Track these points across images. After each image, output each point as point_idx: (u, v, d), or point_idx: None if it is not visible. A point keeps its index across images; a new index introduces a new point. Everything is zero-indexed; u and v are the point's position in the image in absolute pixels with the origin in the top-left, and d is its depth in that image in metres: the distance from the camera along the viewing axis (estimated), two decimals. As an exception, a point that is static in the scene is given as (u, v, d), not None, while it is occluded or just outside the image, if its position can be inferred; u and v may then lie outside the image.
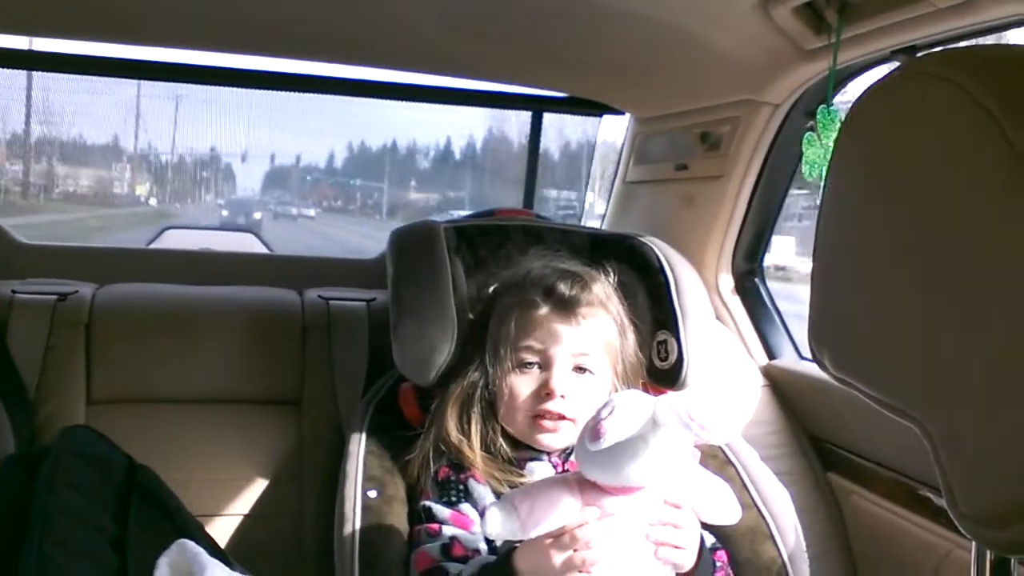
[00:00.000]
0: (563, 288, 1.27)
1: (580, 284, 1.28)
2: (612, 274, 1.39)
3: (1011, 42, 1.29)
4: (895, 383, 0.58)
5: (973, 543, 0.59)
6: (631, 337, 1.34)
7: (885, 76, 0.59)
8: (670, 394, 1.04)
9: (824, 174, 1.41)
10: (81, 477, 1.04)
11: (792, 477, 1.65)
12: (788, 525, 1.33)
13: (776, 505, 1.35)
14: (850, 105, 0.62)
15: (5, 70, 2.07)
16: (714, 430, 0.99)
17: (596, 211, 2.51)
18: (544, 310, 1.26)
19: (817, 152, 1.45)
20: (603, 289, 1.31)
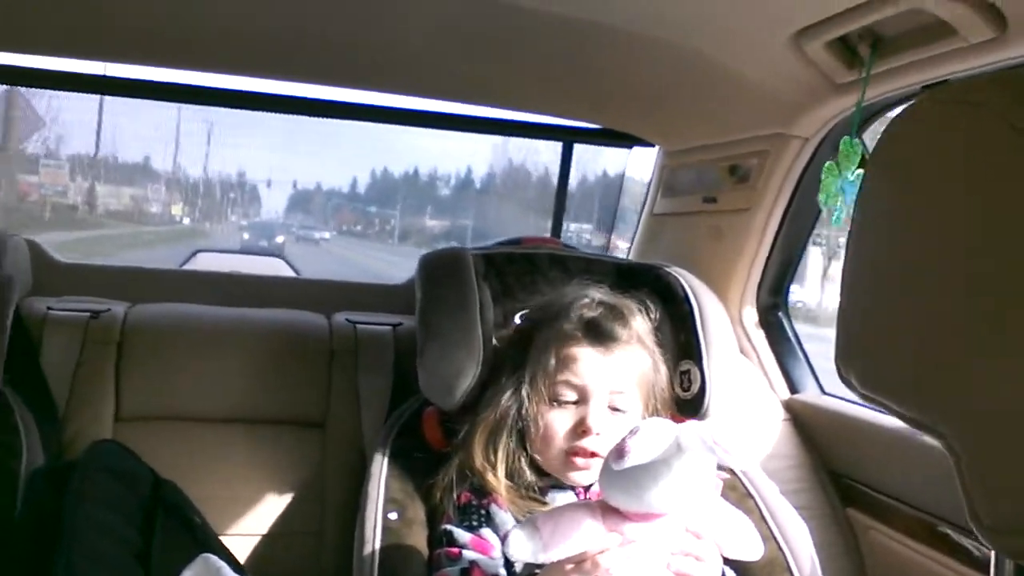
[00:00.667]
0: (604, 324, 1.27)
1: (620, 320, 1.28)
2: (652, 308, 1.39)
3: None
4: (923, 399, 0.59)
5: (992, 554, 0.60)
6: (663, 371, 1.34)
7: (914, 103, 0.60)
8: (693, 422, 1.05)
9: (837, 203, 1.42)
10: (108, 491, 1.05)
11: (811, 512, 1.65)
12: (805, 558, 1.33)
13: (794, 538, 1.34)
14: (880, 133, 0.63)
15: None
16: (737, 454, 1.01)
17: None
18: (584, 345, 1.26)
19: (835, 182, 1.45)
20: (641, 324, 1.32)
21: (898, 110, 1.51)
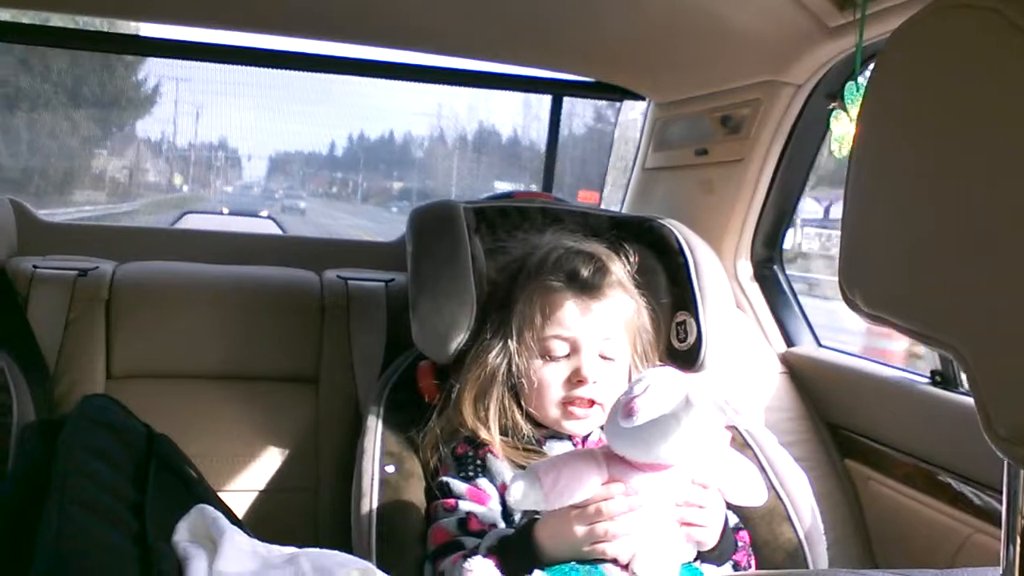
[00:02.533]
0: (585, 272, 1.27)
1: (601, 267, 1.28)
2: (630, 252, 1.40)
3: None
4: (928, 312, 0.58)
5: (1005, 463, 0.59)
6: (646, 314, 1.35)
7: (916, 13, 0.59)
8: (701, 377, 1.04)
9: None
10: (101, 442, 1.04)
11: (810, 463, 1.65)
12: (805, 507, 1.33)
13: (793, 487, 1.34)
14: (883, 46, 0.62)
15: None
16: (746, 414, 1.01)
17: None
18: (569, 296, 1.26)
19: (846, 128, 1.43)
20: (620, 269, 1.32)
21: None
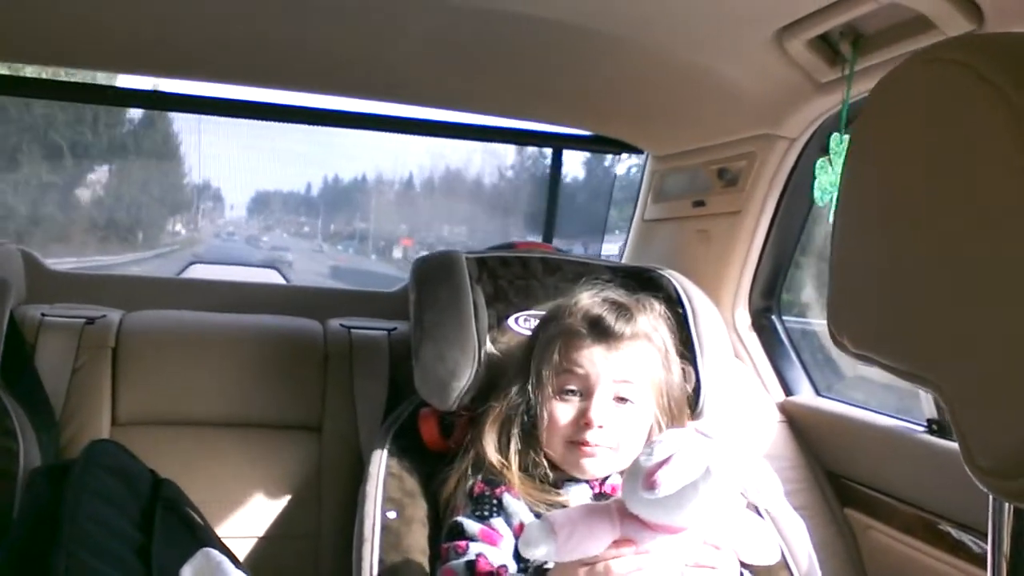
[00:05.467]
0: (608, 319, 1.27)
1: (626, 315, 1.28)
2: (660, 304, 1.38)
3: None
4: (911, 351, 0.60)
5: (990, 498, 0.60)
6: (677, 370, 1.34)
7: (895, 67, 0.62)
8: (725, 447, 1.04)
9: (832, 199, 1.45)
10: (107, 487, 1.06)
11: (809, 512, 1.65)
12: (803, 555, 1.33)
13: (792, 536, 1.35)
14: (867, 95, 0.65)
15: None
16: (766, 494, 1.02)
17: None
18: (588, 339, 1.26)
19: (830, 178, 1.47)
20: (648, 321, 1.31)
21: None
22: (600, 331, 1.27)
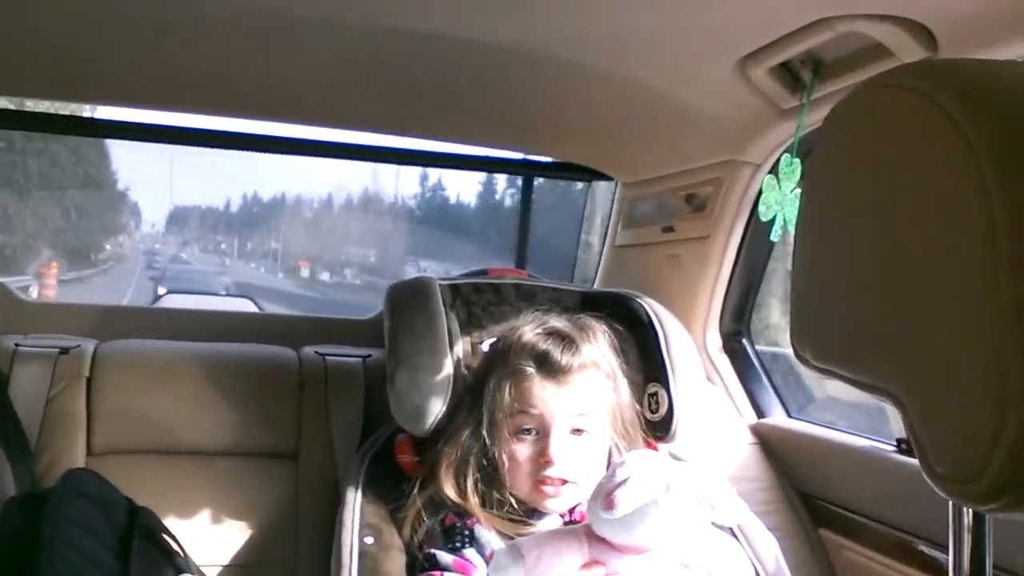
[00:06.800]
0: (554, 355, 1.27)
1: (571, 348, 1.28)
2: (605, 330, 1.39)
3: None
4: (869, 363, 0.62)
5: (950, 504, 0.63)
6: (626, 391, 1.35)
7: (851, 93, 0.65)
8: (685, 466, 1.06)
9: (774, 216, 1.47)
10: (85, 515, 1.06)
11: (783, 533, 1.66)
12: (777, 573, 1.35)
13: (764, 553, 1.36)
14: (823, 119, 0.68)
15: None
16: (726, 511, 1.04)
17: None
18: (537, 377, 1.27)
19: (775, 196, 1.49)
20: (594, 348, 1.32)
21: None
22: (548, 367, 1.27)
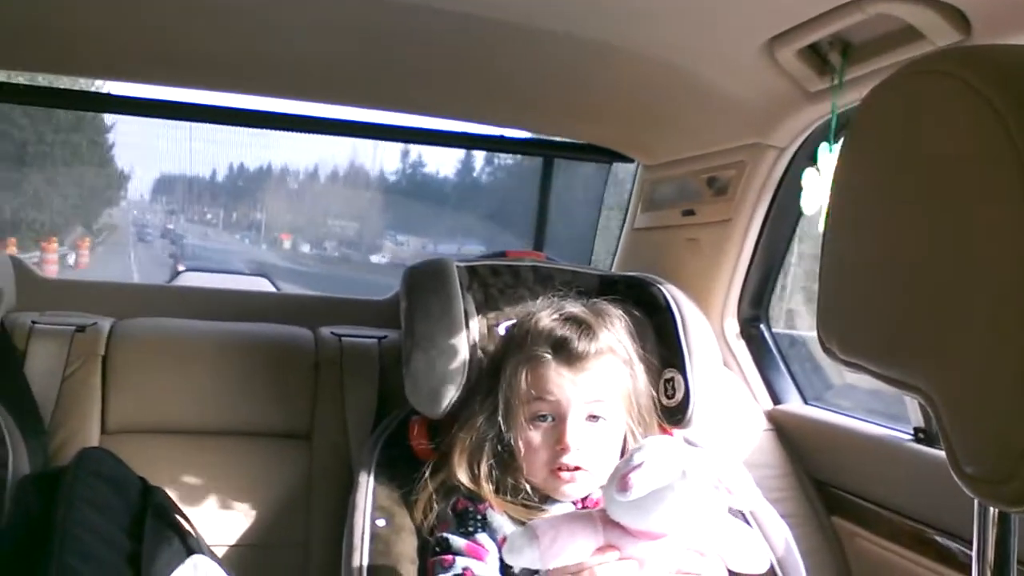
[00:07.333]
0: (571, 341, 1.26)
1: (588, 334, 1.27)
2: (621, 315, 1.37)
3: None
4: (898, 358, 0.61)
5: (975, 503, 0.61)
6: (642, 377, 1.33)
7: (886, 78, 0.63)
8: (701, 451, 1.05)
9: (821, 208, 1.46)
10: (98, 494, 1.06)
11: (797, 520, 1.66)
12: (791, 562, 1.34)
13: (777, 541, 1.36)
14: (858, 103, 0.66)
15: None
16: (741, 495, 1.02)
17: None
18: (553, 364, 1.25)
19: (818, 189, 1.48)
20: (610, 334, 1.30)
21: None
22: (565, 353, 1.26)
